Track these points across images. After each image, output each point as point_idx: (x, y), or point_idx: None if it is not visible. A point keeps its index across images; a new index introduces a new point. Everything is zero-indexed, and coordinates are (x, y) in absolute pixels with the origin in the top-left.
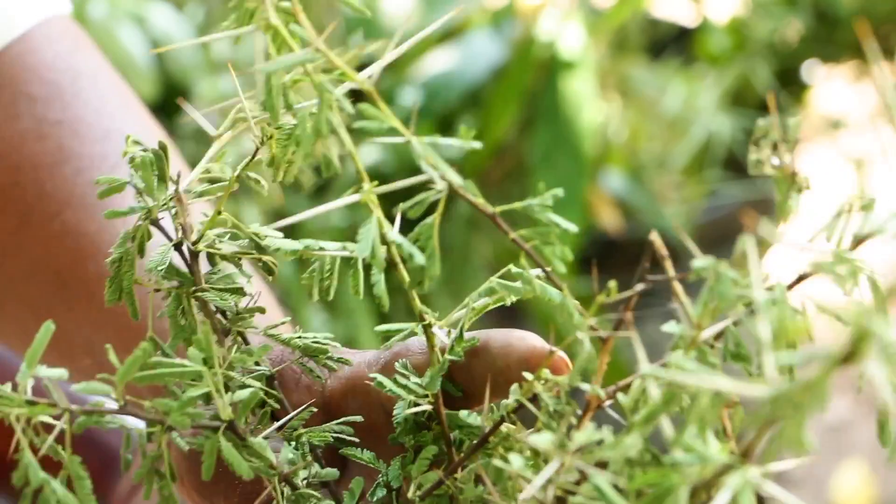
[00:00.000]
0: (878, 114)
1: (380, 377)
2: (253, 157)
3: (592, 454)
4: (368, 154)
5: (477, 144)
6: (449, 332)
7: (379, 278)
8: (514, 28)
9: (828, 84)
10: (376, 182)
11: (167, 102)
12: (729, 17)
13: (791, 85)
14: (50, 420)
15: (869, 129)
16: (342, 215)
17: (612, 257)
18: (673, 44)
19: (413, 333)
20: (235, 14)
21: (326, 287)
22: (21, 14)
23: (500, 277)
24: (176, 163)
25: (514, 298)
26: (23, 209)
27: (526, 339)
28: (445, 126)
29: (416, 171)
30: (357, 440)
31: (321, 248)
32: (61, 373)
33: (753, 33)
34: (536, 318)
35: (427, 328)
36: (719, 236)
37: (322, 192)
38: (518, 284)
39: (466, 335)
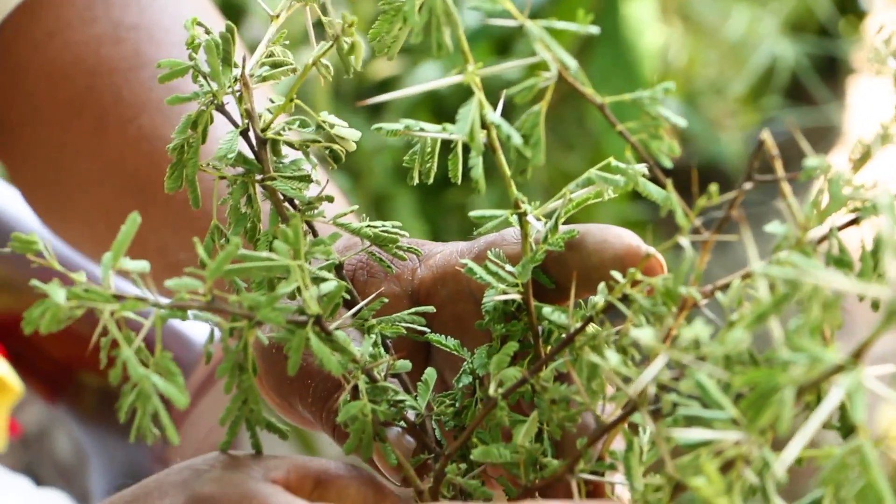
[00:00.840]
0: None
1: (471, 263)
2: (330, 46)
3: (698, 350)
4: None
5: (594, 29)
6: (545, 222)
7: (476, 161)
8: None
9: (886, 12)
10: (480, 64)
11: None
12: None
13: (849, 13)
14: (133, 316)
15: None
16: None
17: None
18: None
19: (507, 221)
20: None
21: (427, 170)
22: None
23: (600, 170)
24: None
25: (612, 192)
26: (99, 113)
27: (623, 238)
28: (503, 47)
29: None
30: (428, 329)
31: (422, 129)
32: (144, 265)
33: None
34: None
35: (522, 216)
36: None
37: (376, 112)
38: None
39: (564, 227)
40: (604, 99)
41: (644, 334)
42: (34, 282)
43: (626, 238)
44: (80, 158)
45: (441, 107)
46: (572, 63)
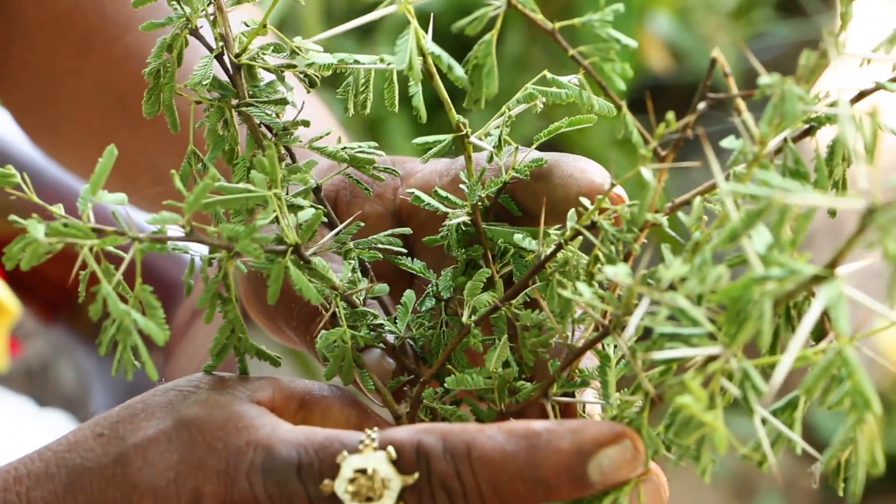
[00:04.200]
0: None
1: (416, 191)
2: None
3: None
4: None
5: None
6: (492, 142)
7: (416, 90)
8: None
9: None
10: None
11: None
12: None
13: None
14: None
15: None
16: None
17: (660, 99)
18: None
19: (451, 146)
20: None
21: (362, 101)
22: None
23: (536, 83)
24: None
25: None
26: (84, 32)
27: (587, 173)
28: None
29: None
30: (405, 251)
31: (356, 62)
32: (121, 197)
33: None
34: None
35: (464, 139)
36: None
37: (368, 33)
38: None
39: (534, 154)
40: (554, 24)
41: (618, 273)
42: (12, 217)
43: (590, 174)
44: (67, 79)
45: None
46: None
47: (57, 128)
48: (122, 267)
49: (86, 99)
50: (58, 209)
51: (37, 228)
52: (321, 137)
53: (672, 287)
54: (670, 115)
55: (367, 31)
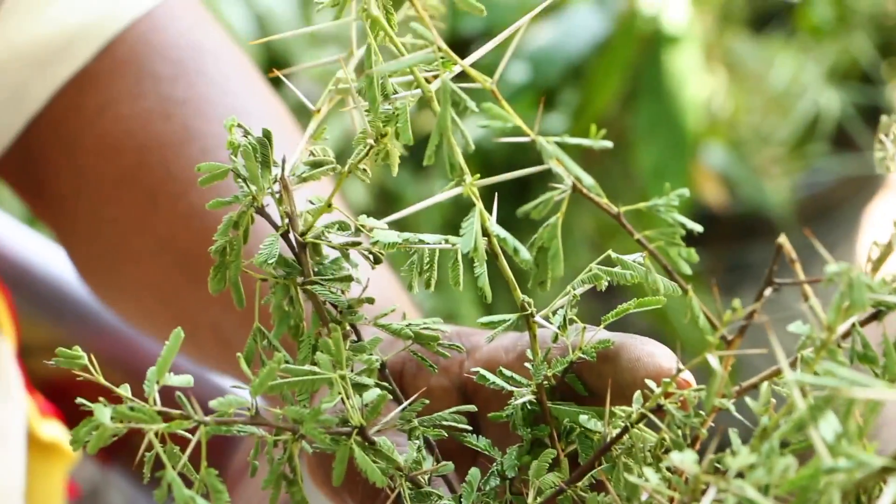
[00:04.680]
0: None
1: (482, 370)
2: (366, 153)
3: (744, 479)
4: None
5: (607, 144)
6: (556, 323)
7: (481, 271)
8: (618, 1)
9: None
10: (478, 175)
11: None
12: None
13: (892, 56)
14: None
15: None
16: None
17: (714, 231)
18: (776, 17)
19: (516, 326)
20: None
21: (427, 279)
22: None
23: (601, 263)
24: (289, 134)
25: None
26: (149, 189)
27: (655, 357)
28: (548, 99)
29: (519, 149)
30: (470, 428)
31: (421, 241)
32: (188, 378)
33: (856, 5)
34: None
35: (529, 318)
36: (820, 210)
37: (423, 166)
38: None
39: (602, 335)
40: (619, 208)
41: (685, 461)
42: (80, 400)
43: (657, 358)
44: (130, 233)
45: (488, 159)
46: (587, 178)
47: (120, 282)
48: (188, 451)
49: (149, 254)
50: (124, 390)
51: (103, 413)
52: (386, 314)
53: (740, 475)
54: (736, 303)
55: (422, 163)
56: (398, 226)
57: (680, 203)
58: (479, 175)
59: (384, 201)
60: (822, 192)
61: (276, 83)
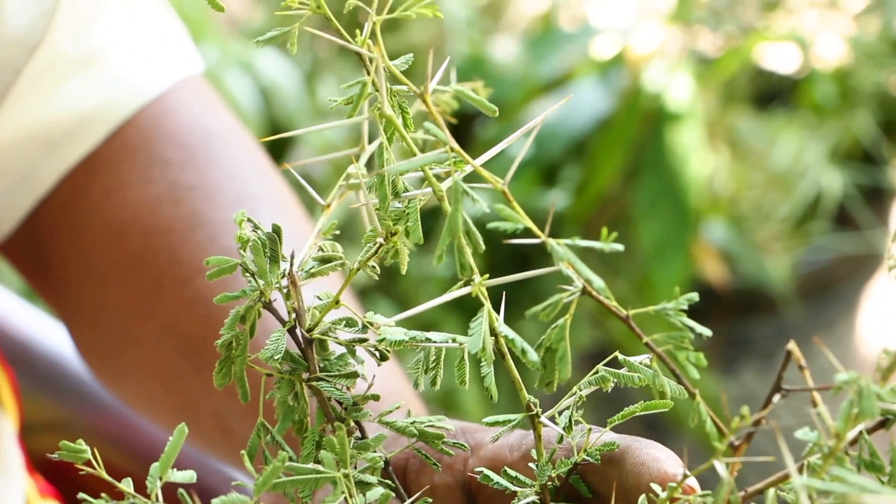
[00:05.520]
0: None
1: (485, 470)
2: (375, 251)
3: None
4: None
5: (619, 247)
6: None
7: (488, 371)
8: (621, 78)
9: None
10: (486, 276)
11: (274, 148)
12: (834, 66)
13: (894, 135)
14: None
15: None
16: (445, 264)
17: (715, 307)
18: (779, 95)
19: (521, 425)
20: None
21: (433, 377)
22: (156, 76)
23: (607, 364)
24: (297, 223)
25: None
26: (155, 274)
27: (660, 462)
28: (550, 175)
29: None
30: None
31: (428, 340)
32: (190, 475)
33: (858, 84)
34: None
35: (534, 419)
36: (820, 287)
37: (427, 242)
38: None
39: (607, 437)
40: (628, 311)
41: None
42: (81, 495)
43: (662, 463)
44: (135, 318)
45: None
46: (598, 281)
47: (122, 365)
48: None
49: (153, 340)
50: (126, 485)
51: None
52: (390, 412)
53: None
54: (745, 410)
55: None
56: (402, 303)
57: (680, 278)
58: (487, 276)
59: (384, 277)
60: (822, 269)
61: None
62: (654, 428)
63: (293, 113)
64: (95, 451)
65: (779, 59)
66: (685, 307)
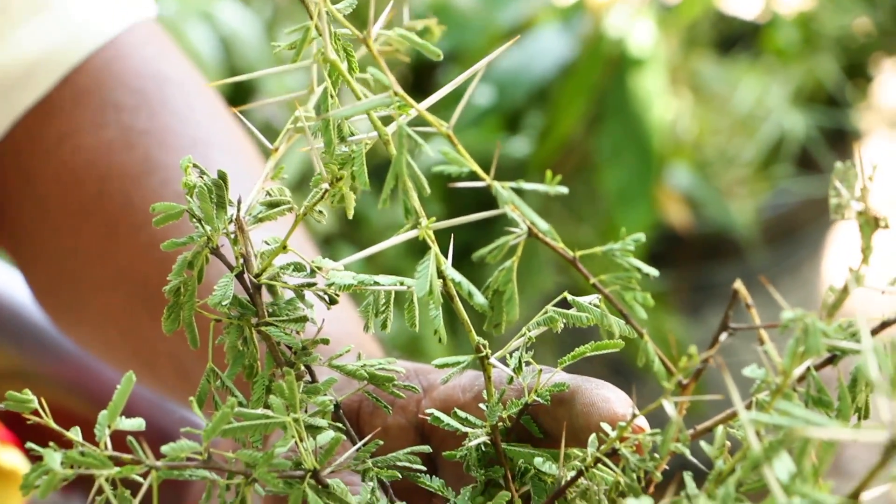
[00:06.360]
0: None
1: (435, 412)
2: (322, 196)
3: None
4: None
5: (563, 190)
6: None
7: (436, 314)
8: (583, 24)
9: (893, 77)
10: (434, 218)
11: (235, 98)
12: (797, 11)
13: (857, 78)
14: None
15: None
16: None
17: (679, 252)
18: (742, 39)
19: (472, 366)
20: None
21: (383, 321)
22: (108, 20)
23: (557, 305)
24: (251, 168)
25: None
26: (109, 219)
27: (609, 402)
28: (513, 122)
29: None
30: (424, 469)
31: (376, 283)
32: (139, 422)
33: (822, 28)
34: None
35: (484, 360)
36: (784, 231)
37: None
38: (577, 312)
39: (558, 377)
40: (575, 253)
41: None
42: (30, 444)
43: (612, 404)
44: (90, 264)
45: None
46: (543, 224)
47: (78, 310)
48: (140, 495)
49: (109, 284)
50: (75, 433)
51: (53, 458)
52: (340, 355)
53: None
54: (693, 349)
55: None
56: (359, 244)
57: (645, 224)
58: (434, 218)
59: (349, 224)
60: (786, 212)
61: (241, 102)
62: (620, 372)
63: (254, 62)
64: (43, 400)
65: (741, 3)
66: (632, 248)
